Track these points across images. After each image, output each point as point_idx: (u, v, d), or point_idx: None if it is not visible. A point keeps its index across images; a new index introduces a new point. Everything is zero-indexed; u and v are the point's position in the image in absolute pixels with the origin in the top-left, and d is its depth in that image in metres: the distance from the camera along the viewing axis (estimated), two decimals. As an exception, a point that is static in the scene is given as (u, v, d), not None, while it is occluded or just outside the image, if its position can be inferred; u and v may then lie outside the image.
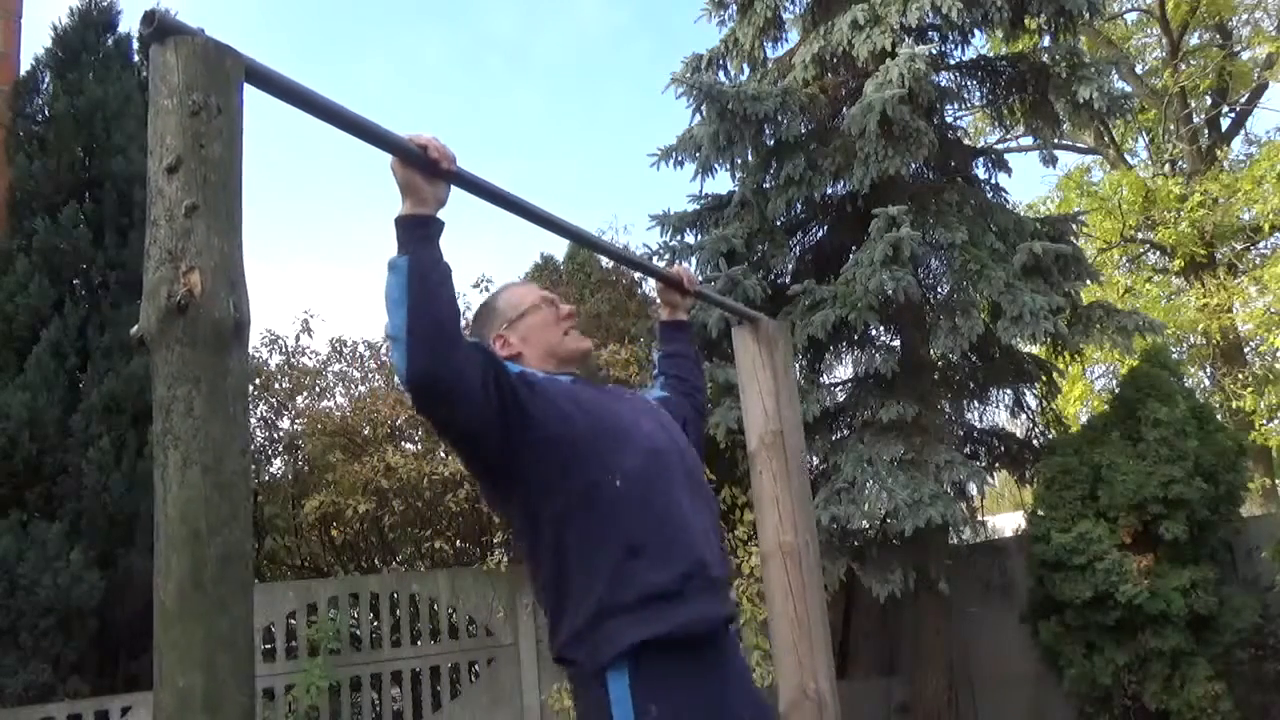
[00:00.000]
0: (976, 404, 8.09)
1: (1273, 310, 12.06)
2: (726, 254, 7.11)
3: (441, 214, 1.75)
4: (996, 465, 8.16)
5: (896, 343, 7.49)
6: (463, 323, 1.88)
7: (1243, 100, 14.87)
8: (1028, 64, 7.59)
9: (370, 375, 7.93)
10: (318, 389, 7.83)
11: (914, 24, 6.78)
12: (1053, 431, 8.20)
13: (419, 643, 6.50)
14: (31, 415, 5.50)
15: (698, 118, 7.14)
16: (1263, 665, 6.23)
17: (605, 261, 8.56)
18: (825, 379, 7.96)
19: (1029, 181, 42.97)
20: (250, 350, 1.50)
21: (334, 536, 7.40)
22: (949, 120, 8.18)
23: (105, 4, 6.79)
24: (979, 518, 8.39)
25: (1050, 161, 8.51)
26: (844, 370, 8.04)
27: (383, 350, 7.87)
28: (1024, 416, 8.35)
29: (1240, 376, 12.38)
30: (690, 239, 7.66)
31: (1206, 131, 14.56)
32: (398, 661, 6.20)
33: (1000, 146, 11.68)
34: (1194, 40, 14.92)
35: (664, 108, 40.83)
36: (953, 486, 6.81)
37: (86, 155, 6.34)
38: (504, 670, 6.52)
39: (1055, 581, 6.31)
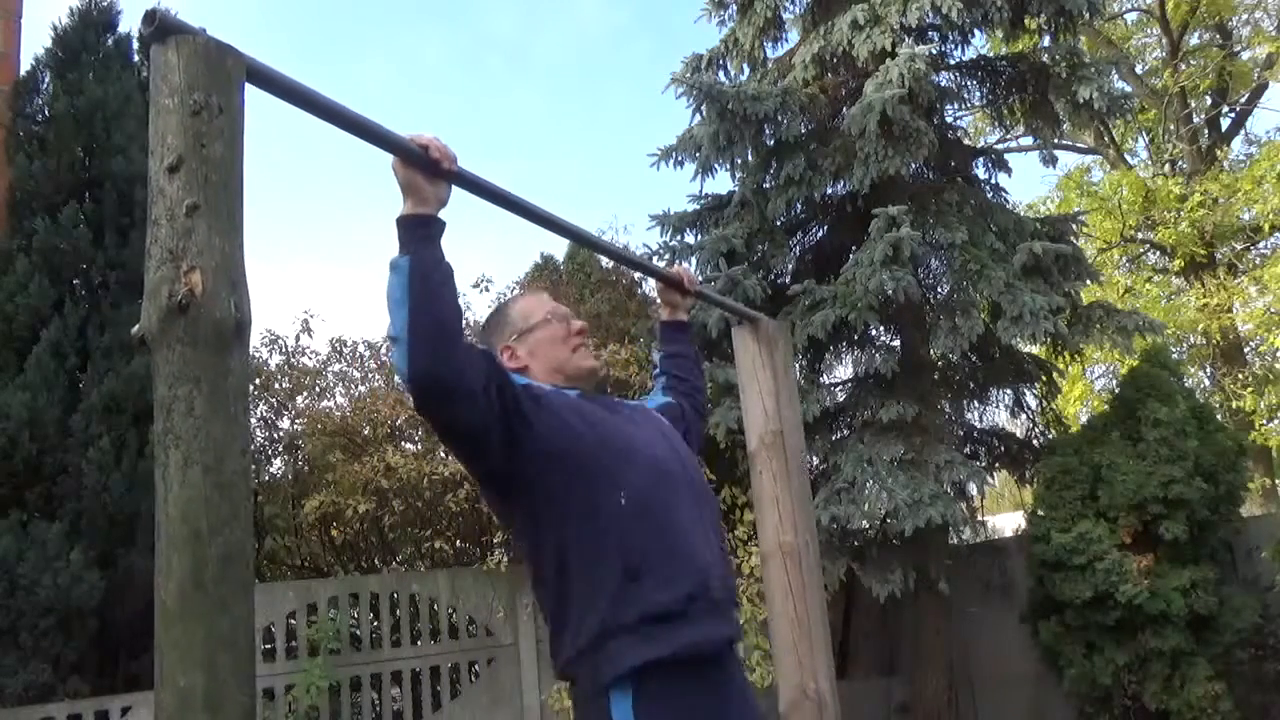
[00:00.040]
0: (976, 404, 8.10)
1: (1273, 310, 12.06)
2: (726, 254, 7.11)
3: (443, 214, 1.75)
4: (996, 465, 8.16)
5: (896, 343, 7.49)
6: (465, 323, 1.88)
7: (1243, 100, 14.87)
8: (1028, 64, 7.59)
9: (370, 375, 7.93)
10: (318, 389, 7.83)
11: (914, 24, 6.78)
12: (1053, 431, 8.20)
13: (419, 643, 6.50)
14: (31, 415, 5.50)
15: (698, 118, 7.15)
16: (1263, 665, 6.23)
17: (605, 261, 8.56)
18: (825, 379, 7.97)
19: (1029, 181, 43.02)
20: (250, 350, 1.50)
21: (334, 536, 7.40)
22: (949, 120, 8.18)
23: (105, 4, 6.79)
24: (979, 518, 8.40)
25: (1050, 161, 8.52)
26: (844, 370, 8.06)
27: (383, 350, 7.87)
28: (1024, 416, 8.35)
29: (1240, 376, 12.38)
30: (690, 239, 7.67)
31: (1206, 131, 14.56)
32: (398, 661, 6.20)
33: (1000, 146, 11.69)
34: (1194, 40, 14.93)
35: (664, 108, 40.88)
36: (953, 486, 6.81)
37: (86, 155, 6.34)
38: (504, 670, 6.52)
39: (1055, 581, 6.31)
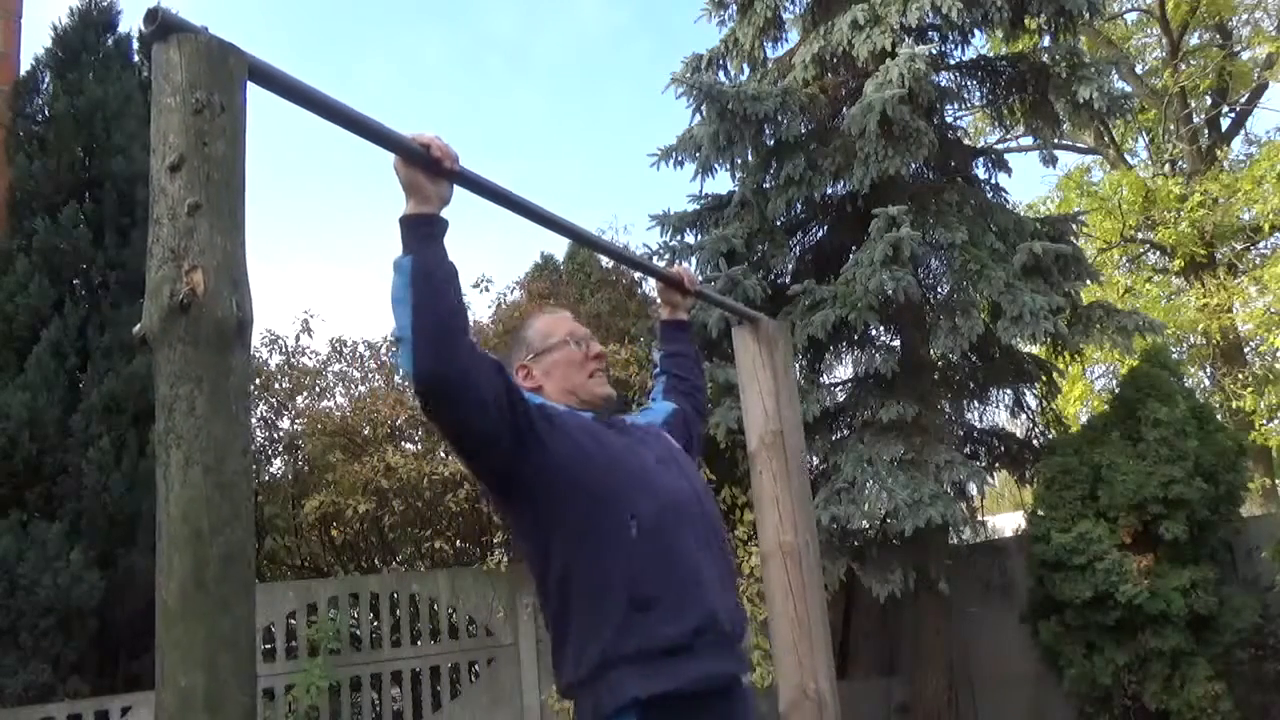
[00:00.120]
0: (976, 404, 8.10)
1: (1273, 310, 12.06)
2: (726, 254, 7.11)
3: (444, 213, 1.74)
4: (996, 465, 8.16)
5: (896, 343, 7.49)
6: (469, 322, 1.87)
7: (1243, 100, 14.87)
8: (1028, 64, 7.59)
9: (370, 375, 7.93)
10: (318, 389, 7.83)
11: (914, 24, 6.79)
12: (1053, 431, 8.20)
13: (419, 643, 6.50)
14: (31, 415, 5.50)
15: (698, 118, 7.15)
16: (1263, 665, 6.23)
17: (605, 261, 8.56)
18: (825, 379, 7.97)
19: (1029, 181, 43.01)
20: (251, 350, 1.49)
21: (334, 536, 7.40)
22: (949, 120, 8.18)
23: (105, 4, 6.79)
24: (979, 518, 8.40)
25: (1050, 161, 8.52)
26: (844, 370, 8.06)
27: (383, 350, 7.87)
28: (1024, 416, 8.35)
29: (1240, 376, 12.38)
30: (690, 239, 7.67)
31: (1206, 131, 14.56)
32: (398, 661, 6.20)
33: (1000, 146, 11.69)
34: (1194, 40, 14.93)
35: (664, 108, 40.84)
36: (953, 486, 6.81)
37: (86, 155, 6.34)
38: (504, 670, 6.52)
39: (1055, 581, 6.31)
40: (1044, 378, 8.06)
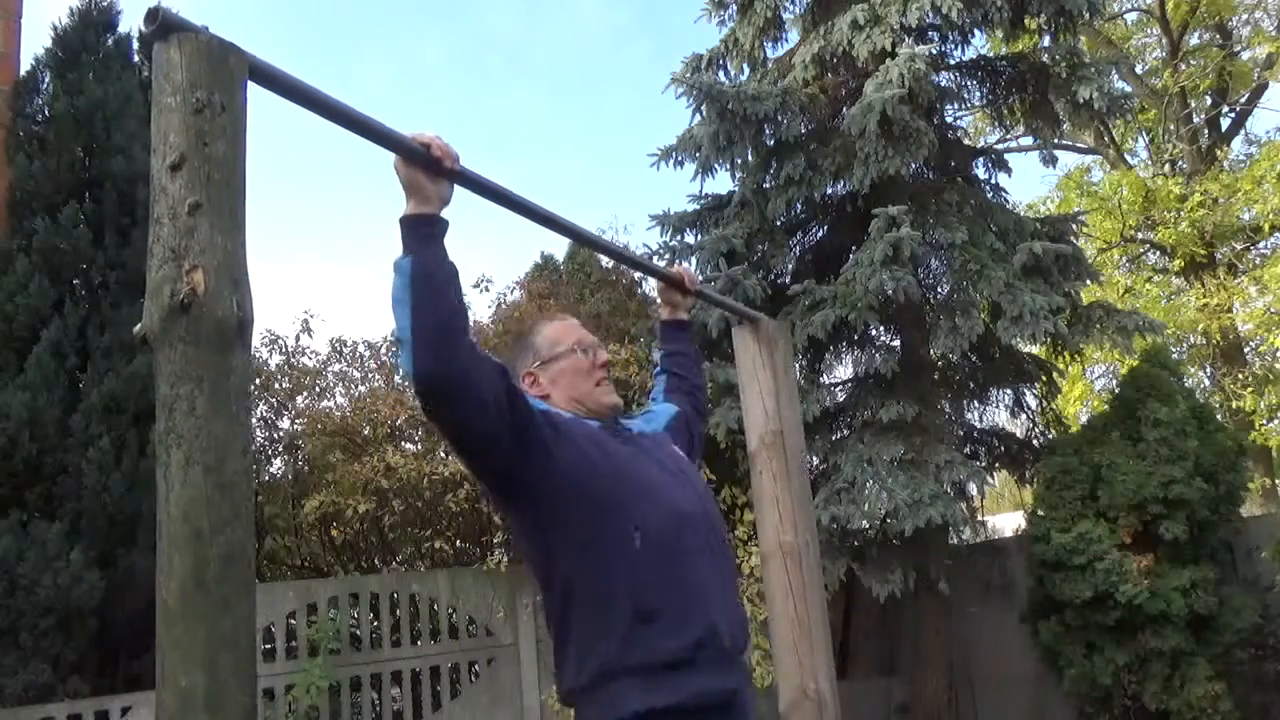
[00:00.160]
0: (976, 404, 8.10)
1: (1273, 310, 12.06)
2: (726, 254, 7.11)
3: (444, 213, 1.74)
4: (996, 465, 8.16)
5: (896, 343, 7.50)
6: (470, 323, 1.87)
7: (1243, 100, 14.87)
8: (1028, 64, 7.59)
9: (370, 375, 7.93)
10: (318, 389, 7.83)
11: (914, 24, 6.79)
12: (1053, 431, 8.20)
13: (419, 643, 6.50)
14: (31, 415, 5.50)
15: (698, 118, 7.15)
16: (1263, 665, 6.23)
17: (605, 261, 8.56)
18: (825, 379, 7.97)
19: (1029, 181, 43.02)
20: (251, 350, 1.49)
21: (334, 536, 7.40)
22: (949, 120, 8.18)
23: (105, 4, 6.79)
24: (979, 518, 8.40)
25: (1050, 161, 8.52)
26: (844, 370, 8.06)
27: (383, 350, 7.88)
28: (1024, 416, 8.35)
29: (1240, 376, 12.38)
30: (690, 239, 7.67)
31: (1206, 131, 14.56)
32: (398, 661, 6.20)
33: (1000, 146, 11.70)
34: (1194, 40, 14.93)
35: (664, 108, 40.86)
36: (953, 486, 6.82)
37: (86, 155, 6.34)
38: (504, 670, 6.52)
39: (1055, 581, 6.31)
40: (1044, 378, 8.06)
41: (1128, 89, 11.11)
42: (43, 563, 5.21)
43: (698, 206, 7.79)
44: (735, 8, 7.95)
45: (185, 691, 1.25)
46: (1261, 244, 13.54)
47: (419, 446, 7.23)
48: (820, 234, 8.14)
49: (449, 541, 6.94)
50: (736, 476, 6.34)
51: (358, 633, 6.29)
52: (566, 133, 38.31)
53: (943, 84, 7.43)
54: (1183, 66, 13.85)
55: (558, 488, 1.76)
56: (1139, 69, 15.26)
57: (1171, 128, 13.89)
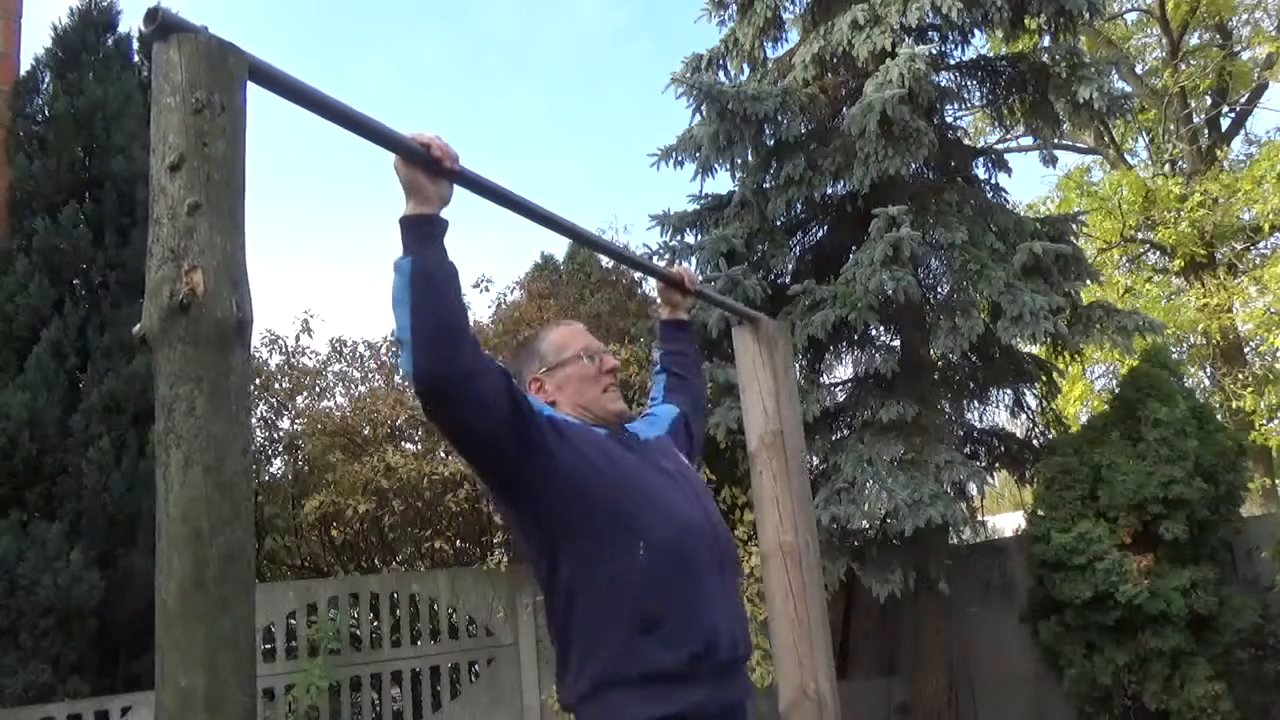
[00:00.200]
0: (976, 404, 8.10)
1: (1273, 310, 12.06)
2: (726, 254, 7.11)
3: (444, 213, 1.74)
4: (996, 465, 8.16)
5: (896, 343, 7.49)
6: (470, 323, 1.87)
7: (1243, 100, 14.87)
8: (1028, 64, 7.59)
9: (370, 375, 7.93)
10: (318, 389, 7.83)
11: (914, 24, 6.78)
12: (1053, 431, 8.20)
13: (419, 643, 6.50)
14: (31, 415, 5.50)
15: (698, 118, 7.15)
16: (1263, 665, 6.23)
17: (605, 261, 8.56)
18: (825, 379, 7.97)
19: (1029, 181, 43.02)
20: (250, 350, 1.49)
21: (334, 536, 7.40)
22: (949, 120, 8.18)
23: (105, 4, 6.79)
24: (979, 518, 8.39)
25: (1050, 161, 8.52)
26: (844, 370, 8.06)
27: (383, 350, 7.88)
28: (1024, 416, 8.35)
29: (1240, 376, 12.38)
30: (690, 239, 7.67)
31: (1206, 131, 14.56)
32: (398, 661, 6.20)
33: (1000, 146, 11.69)
34: (1194, 40, 14.93)
35: (664, 108, 40.89)
36: (953, 486, 6.81)
37: (86, 155, 6.34)
38: (504, 670, 6.52)
39: (1055, 581, 6.30)
40: (1044, 378, 8.06)
41: (1128, 89, 11.12)
42: (43, 563, 5.21)
43: (698, 206, 7.79)
44: (735, 8, 7.95)
45: (185, 691, 1.25)
46: (1261, 244, 13.55)
47: (419, 446, 7.23)
48: (820, 234, 8.14)
49: (449, 541, 6.94)
50: (736, 476, 6.34)
51: (358, 633, 6.29)
52: (566, 133, 38.36)
53: (943, 84, 7.43)
54: (1183, 66, 13.85)
55: (560, 491, 1.76)
56: (1139, 69, 15.26)
57: (1171, 128, 13.89)
